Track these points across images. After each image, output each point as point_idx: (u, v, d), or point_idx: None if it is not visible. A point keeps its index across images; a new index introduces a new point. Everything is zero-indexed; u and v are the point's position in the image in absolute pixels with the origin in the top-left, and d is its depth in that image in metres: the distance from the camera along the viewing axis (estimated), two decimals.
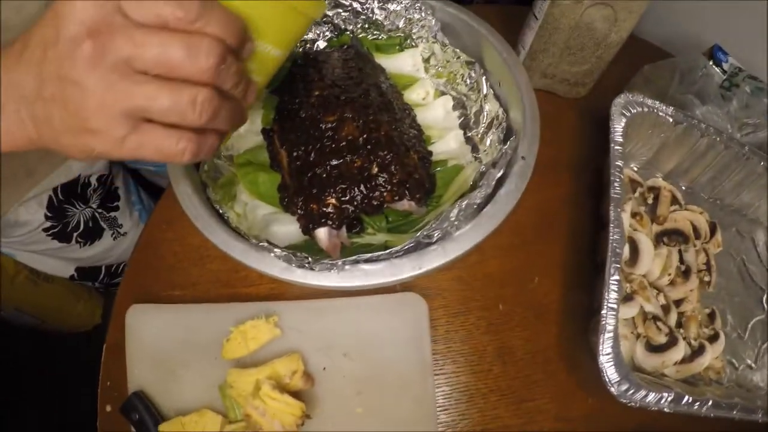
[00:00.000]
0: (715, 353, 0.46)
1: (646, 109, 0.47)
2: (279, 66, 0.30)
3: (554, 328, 0.44)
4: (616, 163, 0.43)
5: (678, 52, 0.63)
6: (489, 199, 0.36)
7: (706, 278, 0.50)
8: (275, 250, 0.33)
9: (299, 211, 0.38)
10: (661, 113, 0.48)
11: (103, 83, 0.21)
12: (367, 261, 0.33)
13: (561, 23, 0.47)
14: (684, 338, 0.46)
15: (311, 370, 0.39)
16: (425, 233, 0.33)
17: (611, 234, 0.40)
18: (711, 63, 0.57)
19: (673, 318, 0.47)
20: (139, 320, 0.41)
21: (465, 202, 0.34)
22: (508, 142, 0.36)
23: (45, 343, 0.82)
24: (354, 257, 0.33)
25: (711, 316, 0.49)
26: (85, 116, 0.22)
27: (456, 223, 0.34)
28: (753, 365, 0.50)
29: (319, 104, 0.41)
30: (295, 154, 0.40)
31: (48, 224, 0.53)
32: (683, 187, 0.54)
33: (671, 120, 0.48)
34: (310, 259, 0.33)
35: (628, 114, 0.46)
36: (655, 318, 0.46)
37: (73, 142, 0.23)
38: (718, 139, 0.50)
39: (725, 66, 0.58)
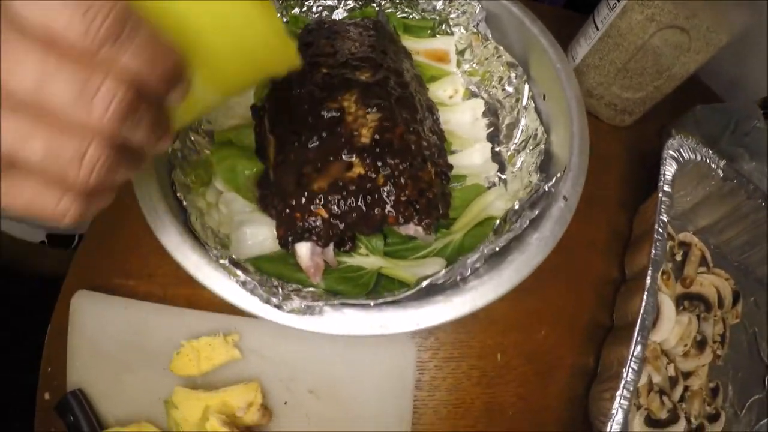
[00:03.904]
0: None
1: (699, 157, 0.41)
2: (213, 108, 0.21)
3: (554, 388, 0.39)
4: (661, 217, 0.37)
5: (726, 94, 0.57)
6: (515, 240, 0.30)
7: (719, 351, 0.45)
8: (238, 272, 0.26)
9: (278, 218, 0.31)
10: (713, 165, 0.42)
11: None
12: (353, 305, 0.26)
13: (625, 40, 0.40)
14: (685, 414, 0.42)
15: (270, 404, 0.33)
16: (432, 282, 0.26)
17: (644, 303, 0.34)
18: (762, 114, 0.51)
19: (678, 392, 0.42)
20: (85, 309, 0.35)
21: (488, 247, 0.28)
22: (554, 179, 0.29)
23: None
24: (338, 300, 0.26)
25: (714, 392, 0.45)
26: None
27: (470, 271, 0.28)
28: None
29: (324, 85, 0.33)
30: (285, 143, 0.33)
31: None
32: (712, 246, 0.49)
33: (721, 174, 0.42)
34: (280, 291, 0.26)
35: (680, 160, 0.40)
36: (661, 391, 0.41)
37: None
38: (764, 204, 0.44)
39: None
